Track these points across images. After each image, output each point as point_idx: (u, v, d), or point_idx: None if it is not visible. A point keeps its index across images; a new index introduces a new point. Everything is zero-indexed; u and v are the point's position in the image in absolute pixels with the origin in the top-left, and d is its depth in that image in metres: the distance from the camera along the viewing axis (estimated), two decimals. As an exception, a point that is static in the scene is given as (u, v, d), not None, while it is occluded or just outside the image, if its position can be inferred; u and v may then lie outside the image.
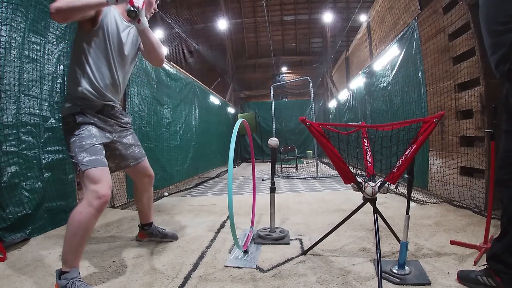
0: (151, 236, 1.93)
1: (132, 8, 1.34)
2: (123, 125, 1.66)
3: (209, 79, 10.93)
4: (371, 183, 1.44)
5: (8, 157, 1.90)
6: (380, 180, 1.48)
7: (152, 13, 1.70)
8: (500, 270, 1.12)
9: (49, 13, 1.28)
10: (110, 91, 1.52)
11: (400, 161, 1.38)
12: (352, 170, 1.48)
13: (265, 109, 10.47)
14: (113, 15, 1.49)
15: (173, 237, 1.98)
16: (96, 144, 1.38)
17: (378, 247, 1.29)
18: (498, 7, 1.08)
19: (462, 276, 1.25)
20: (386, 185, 1.45)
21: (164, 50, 1.52)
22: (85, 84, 1.41)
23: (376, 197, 1.46)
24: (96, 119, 1.46)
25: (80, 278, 1.23)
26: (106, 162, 1.40)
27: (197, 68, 10.26)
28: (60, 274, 1.23)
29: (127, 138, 1.68)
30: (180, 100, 5.05)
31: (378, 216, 1.44)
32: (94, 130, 1.42)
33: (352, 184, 1.49)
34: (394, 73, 3.97)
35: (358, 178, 1.48)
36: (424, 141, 1.33)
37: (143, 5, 1.39)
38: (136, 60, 1.74)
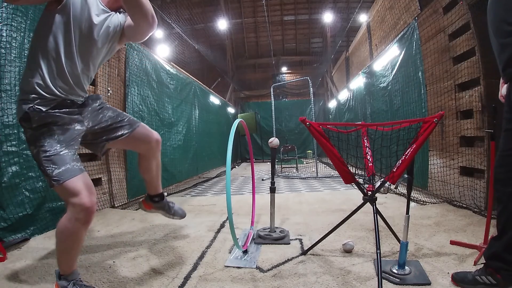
0: (161, 209, 1.81)
1: None
2: (97, 109, 1.41)
3: (209, 79, 10.95)
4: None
5: (9, 157, 1.90)
6: (380, 180, 1.48)
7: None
8: (501, 267, 1.12)
9: None
10: (68, 85, 1.24)
11: (400, 161, 1.38)
12: (352, 170, 1.48)
13: (265, 109, 10.47)
14: None
15: (182, 216, 1.86)
16: (62, 151, 1.17)
17: (378, 247, 1.29)
18: (508, 7, 1.04)
19: (458, 279, 1.23)
20: (386, 185, 1.46)
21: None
22: (36, 78, 1.17)
23: (376, 197, 1.46)
24: (55, 118, 1.20)
25: (80, 279, 1.22)
26: (81, 166, 1.21)
27: (197, 68, 10.27)
28: (60, 274, 1.20)
29: (107, 115, 1.44)
30: (180, 100, 5.05)
31: (378, 216, 1.44)
32: (55, 133, 1.19)
33: (352, 184, 1.49)
34: (394, 73, 3.97)
35: (358, 178, 1.48)
36: (424, 141, 1.33)
37: None
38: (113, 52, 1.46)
